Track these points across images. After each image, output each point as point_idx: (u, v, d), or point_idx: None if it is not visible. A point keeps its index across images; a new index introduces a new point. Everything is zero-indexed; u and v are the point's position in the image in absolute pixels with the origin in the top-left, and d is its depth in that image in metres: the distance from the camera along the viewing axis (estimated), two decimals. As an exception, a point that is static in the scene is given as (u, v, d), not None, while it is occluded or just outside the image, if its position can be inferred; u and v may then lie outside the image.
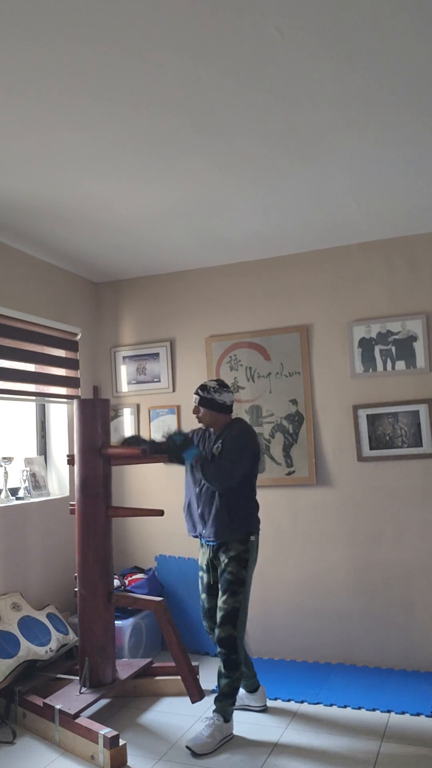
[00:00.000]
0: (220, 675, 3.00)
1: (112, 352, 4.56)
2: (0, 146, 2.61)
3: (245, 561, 3.01)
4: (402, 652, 3.71)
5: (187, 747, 2.84)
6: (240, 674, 3.01)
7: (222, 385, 3.18)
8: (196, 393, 3.15)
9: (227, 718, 2.96)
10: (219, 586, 3.05)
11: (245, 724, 3.09)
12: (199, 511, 3.11)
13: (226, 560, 3.02)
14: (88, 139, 2.57)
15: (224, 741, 2.91)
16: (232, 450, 3.01)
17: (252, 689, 3.24)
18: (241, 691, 3.22)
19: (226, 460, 2.98)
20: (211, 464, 2.98)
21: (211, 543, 3.09)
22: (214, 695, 3.03)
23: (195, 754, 2.80)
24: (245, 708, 3.23)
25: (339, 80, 2.22)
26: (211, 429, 3.20)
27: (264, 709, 3.23)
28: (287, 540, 4.00)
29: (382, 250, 3.93)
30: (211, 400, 3.12)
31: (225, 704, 2.98)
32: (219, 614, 3.00)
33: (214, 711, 2.98)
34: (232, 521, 3.01)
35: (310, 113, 2.43)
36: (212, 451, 3.08)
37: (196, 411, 3.16)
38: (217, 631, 3.00)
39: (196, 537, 3.16)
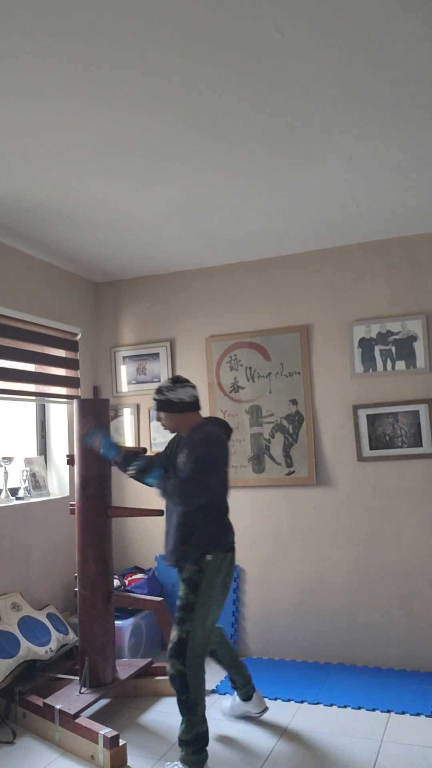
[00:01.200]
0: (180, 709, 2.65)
1: (112, 352, 4.56)
2: (0, 146, 2.61)
3: (196, 584, 2.66)
4: (402, 652, 3.71)
5: None
6: (198, 719, 2.59)
7: (177, 380, 2.85)
8: (153, 398, 2.87)
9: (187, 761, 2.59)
10: None
11: (245, 724, 3.09)
12: (165, 530, 2.89)
13: (180, 583, 2.74)
14: (88, 139, 2.57)
15: None
16: (195, 460, 2.66)
17: (246, 698, 3.10)
18: (237, 699, 3.14)
19: (188, 475, 2.64)
20: (171, 482, 2.66)
21: (171, 566, 2.84)
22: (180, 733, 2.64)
23: None
24: (245, 714, 3.13)
25: (339, 80, 2.22)
26: (183, 434, 2.88)
27: (265, 711, 3.11)
28: (287, 540, 4.00)
29: (382, 250, 3.93)
30: (167, 401, 2.81)
31: (185, 753, 2.58)
32: (169, 647, 2.67)
33: (180, 761, 2.62)
34: (186, 541, 2.71)
35: (310, 113, 2.43)
36: (176, 462, 2.79)
37: (158, 418, 2.88)
38: (167, 666, 2.65)
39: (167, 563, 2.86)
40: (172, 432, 2.92)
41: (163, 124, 2.48)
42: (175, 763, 2.65)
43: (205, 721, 2.64)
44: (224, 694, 3.43)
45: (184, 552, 2.73)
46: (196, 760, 2.59)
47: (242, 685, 3.10)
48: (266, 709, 3.14)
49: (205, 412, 4.20)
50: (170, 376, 4.18)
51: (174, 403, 2.82)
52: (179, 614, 2.66)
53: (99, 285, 4.67)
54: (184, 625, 2.63)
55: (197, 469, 2.66)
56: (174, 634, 2.65)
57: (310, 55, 2.07)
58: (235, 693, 3.16)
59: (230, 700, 3.20)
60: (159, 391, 2.85)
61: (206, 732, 2.63)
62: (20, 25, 1.89)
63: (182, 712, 2.61)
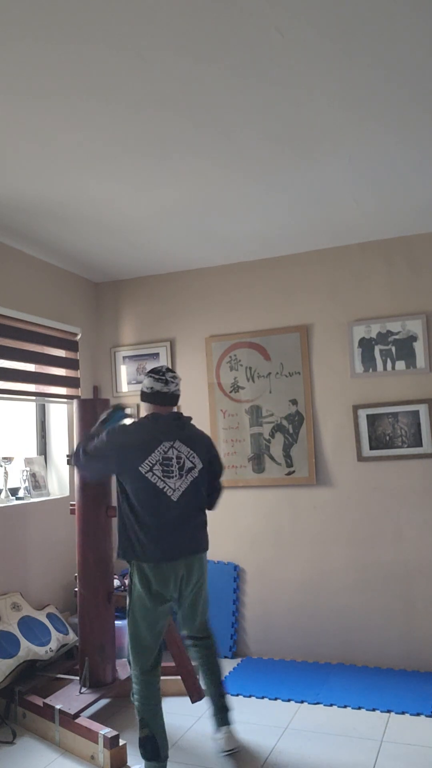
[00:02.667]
0: None
1: (112, 352, 4.56)
2: (0, 146, 2.61)
3: (129, 588, 2.65)
4: (402, 652, 3.71)
5: None
6: (142, 722, 2.54)
7: (155, 371, 2.78)
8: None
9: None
10: None
11: (245, 724, 3.09)
12: None
13: None
14: (89, 138, 2.57)
15: None
16: (102, 436, 2.67)
17: (216, 724, 2.81)
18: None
19: (90, 447, 2.66)
20: (82, 444, 2.71)
21: None
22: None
23: None
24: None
25: (339, 80, 2.22)
26: None
27: (231, 752, 2.74)
28: (287, 540, 4.00)
29: (382, 250, 3.93)
30: (142, 391, 2.79)
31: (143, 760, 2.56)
32: None
33: None
34: (119, 537, 2.69)
35: (310, 113, 2.43)
36: None
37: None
38: None
39: None
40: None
41: (163, 124, 2.48)
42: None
43: (148, 726, 2.53)
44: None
45: (118, 549, 2.70)
46: (148, 766, 2.55)
47: (211, 710, 2.83)
48: (233, 750, 2.74)
49: (204, 412, 4.21)
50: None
51: (144, 392, 2.78)
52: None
53: (99, 285, 4.67)
54: (128, 623, 2.68)
55: (97, 446, 2.65)
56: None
57: (310, 55, 2.07)
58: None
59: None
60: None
61: (149, 738, 2.52)
62: (20, 25, 1.89)
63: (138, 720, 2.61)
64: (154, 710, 2.57)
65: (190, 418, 2.86)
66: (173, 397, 2.78)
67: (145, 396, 2.76)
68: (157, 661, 2.66)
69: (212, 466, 2.85)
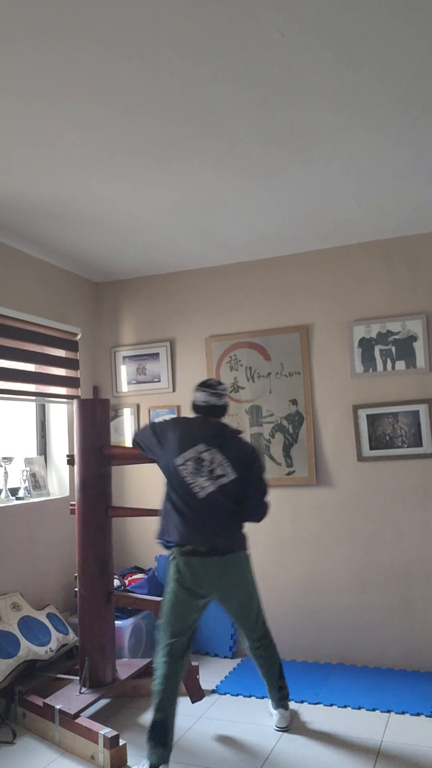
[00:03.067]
0: None
1: (112, 352, 4.56)
2: (0, 146, 2.61)
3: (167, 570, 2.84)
4: (402, 652, 3.71)
5: None
6: (153, 706, 2.64)
7: (202, 383, 3.02)
8: None
9: (150, 764, 2.59)
10: None
11: (245, 724, 3.09)
12: None
13: None
14: (88, 139, 2.57)
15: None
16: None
17: (272, 707, 3.07)
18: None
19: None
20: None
21: None
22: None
23: None
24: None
25: (339, 80, 2.22)
26: None
27: (285, 730, 3.01)
28: (287, 540, 4.00)
29: (382, 250, 3.93)
30: (196, 405, 3.01)
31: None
32: None
33: None
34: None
35: (310, 113, 2.43)
36: None
37: None
38: None
39: None
40: None
41: (163, 124, 2.48)
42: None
43: (158, 711, 2.61)
44: (224, 693, 3.43)
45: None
46: (148, 749, 2.59)
47: (269, 696, 3.07)
48: (285, 728, 3.01)
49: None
50: (169, 374, 4.40)
51: (197, 405, 2.99)
52: None
53: (99, 285, 4.67)
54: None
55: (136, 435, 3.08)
56: None
57: (310, 55, 2.07)
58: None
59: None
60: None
61: (156, 723, 2.59)
62: (20, 26, 1.89)
63: None
64: (170, 696, 2.65)
65: (238, 432, 3.03)
66: (223, 409, 3.01)
67: (200, 409, 2.96)
68: (183, 651, 2.75)
69: (250, 484, 2.91)
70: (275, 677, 3.03)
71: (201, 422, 2.93)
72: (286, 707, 3.06)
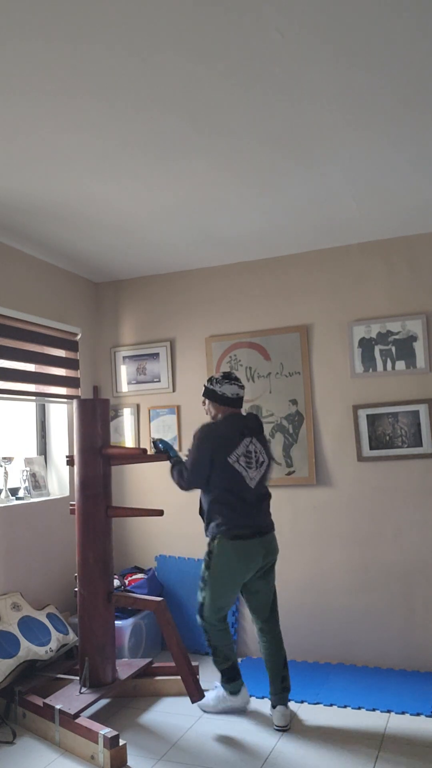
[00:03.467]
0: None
1: (112, 352, 4.56)
2: (0, 146, 2.61)
3: (208, 561, 3.04)
4: (402, 652, 3.71)
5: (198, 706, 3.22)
6: (218, 658, 3.15)
7: (226, 376, 3.18)
8: (204, 384, 3.25)
9: (231, 691, 3.16)
10: None
11: (245, 723, 3.09)
12: None
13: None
14: (88, 139, 2.57)
15: (232, 710, 3.16)
16: (191, 449, 3.10)
17: (272, 704, 3.09)
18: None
19: (185, 467, 3.11)
20: (176, 471, 3.15)
21: None
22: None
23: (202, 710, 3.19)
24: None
25: (339, 80, 2.22)
26: None
27: (284, 730, 3.01)
28: (287, 540, 4.00)
29: (382, 250, 3.93)
30: (212, 391, 3.17)
31: (221, 682, 3.19)
32: None
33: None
34: (205, 522, 3.12)
35: (310, 113, 2.43)
36: None
37: (203, 403, 3.24)
38: None
39: None
40: (212, 418, 3.22)
41: (163, 124, 2.48)
42: (216, 684, 3.25)
43: (227, 660, 3.14)
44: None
45: (205, 530, 3.11)
46: (227, 687, 3.17)
47: (270, 692, 3.12)
48: (284, 728, 3.04)
49: (204, 412, 4.20)
50: (169, 374, 4.41)
51: (217, 395, 3.15)
52: (200, 581, 3.10)
53: (99, 285, 4.67)
54: (202, 592, 3.09)
55: (190, 457, 3.09)
56: (198, 597, 3.12)
57: (310, 55, 2.07)
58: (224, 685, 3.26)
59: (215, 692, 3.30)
60: (210, 380, 3.21)
61: (231, 668, 3.15)
62: (20, 25, 1.89)
63: (209, 652, 3.20)
64: (231, 646, 3.18)
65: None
66: (242, 400, 3.25)
67: (227, 400, 3.15)
68: (226, 619, 3.20)
69: (270, 467, 3.27)
70: (280, 665, 3.11)
71: (242, 417, 3.18)
72: (286, 704, 3.07)
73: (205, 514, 3.12)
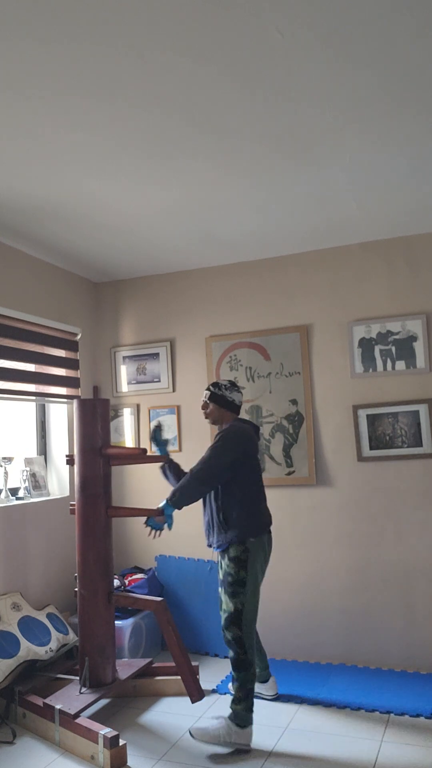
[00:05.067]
0: (232, 678, 2.96)
1: (112, 352, 4.56)
2: (0, 146, 2.61)
3: (244, 561, 2.98)
4: (402, 653, 3.71)
5: (189, 731, 2.91)
6: (251, 675, 2.94)
7: (234, 384, 3.26)
8: (208, 389, 3.24)
9: (241, 723, 2.86)
10: (220, 589, 3.07)
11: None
12: (204, 519, 3.17)
13: (226, 561, 3.02)
14: (88, 139, 2.57)
15: (236, 746, 2.83)
16: (210, 450, 3.05)
17: (263, 680, 3.34)
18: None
19: (203, 462, 3.02)
20: (189, 478, 3.03)
21: (215, 549, 3.12)
22: (231, 698, 2.96)
23: (192, 736, 2.88)
24: (257, 695, 3.30)
25: (339, 80, 2.22)
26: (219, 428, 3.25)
27: (276, 698, 3.34)
28: (287, 540, 4.00)
29: (382, 250, 3.93)
30: (222, 396, 3.19)
31: (237, 709, 2.88)
32: (223, 616, 3.00)
33: (228, 716, 2.89)
34: (227, 526, 3.02)
35: (310, 113, 2.43)
36: None
37: (204, 407, 3.23)
38: (224, 633, 2.98)
39: (210, 547, 3.17)
40: (212, 422, 3.25)
41: (163, 124, 2.48)
42: (226, 718, 2.89)
43: (255, 678, 2.97)
44: (224, 693, 3.43)
45: (227, 535, 3.02)
46: (247, 717, 2.88)
47: (262, 668, 3.33)
48: (278, 695, 3.36)
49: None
50: (169, 374, 4.41)
51: (227, 400, 3.20)
52: (233, 588, 2.96)
53: (99, 285, 4.67)
54: (238, 597, 2.96)
55: (211, 456, 3.02)
56: (230, 606, 2.96)
57: (310, 55, 2.07)
58: None
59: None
60: (218, 386, 3.22)
61: (254, 689, 2.96)
62: (20, 25, 1.89)
63: (239, 669, 2.93)
64: (255, 666, 3.03)
65: None
66: None
67: (235, 407, 3.23)
68: None
69: None
70: (260, 642, 3.34)
71: (246, 423, 3.24)
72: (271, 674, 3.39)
73: (227, 515, 3.03)
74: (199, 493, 3.05)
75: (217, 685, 3.56)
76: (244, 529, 3.01)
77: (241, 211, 3.40)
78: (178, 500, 3.02)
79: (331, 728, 3.02)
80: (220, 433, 3.12)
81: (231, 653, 2.96)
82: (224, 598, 3.00)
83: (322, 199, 3.28)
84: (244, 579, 2.97)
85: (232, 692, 2.94)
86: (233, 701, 2.90)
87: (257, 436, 3.25)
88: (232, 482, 3.04)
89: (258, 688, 3.31)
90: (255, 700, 3.09)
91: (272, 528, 3.99)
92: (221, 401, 3.20)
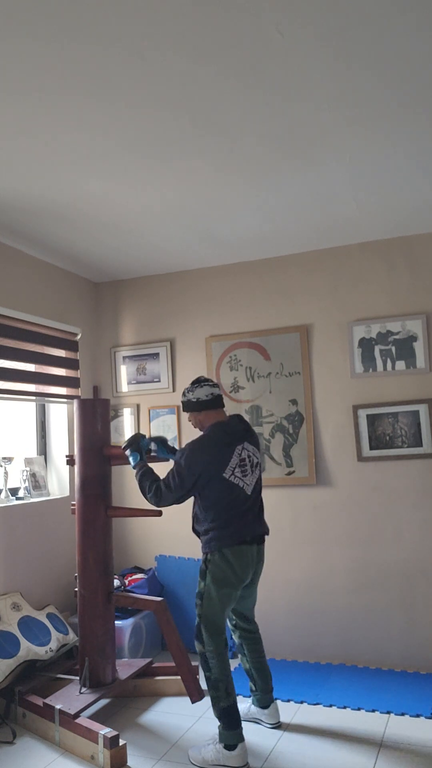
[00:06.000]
0: None
1: (112, 352, 4.56)
2: (0, 146, 2.61)
3: (203, 572, 2.85)
4: (402, 653, 3.71)
5: (188, 753, 2.80)
6: (221, 694, 2.75)
7: (195, 381, 3.02)
8: (180, 402, 3.06)
9: (228, 744, 2.70)
10: None
11: (245, 724, 3.08)
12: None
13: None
14: (88, 138, 2.57)
15: None
16: (172, 472, 2.86)
17: (263, 705, 3.07)
18: (253, 707, 3.11)
19: (164, 483, 2.86)
20: (147, 484, 2.91)
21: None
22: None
23: (190, 760, 2.76)
24: (256, 721, 3.09)
25: (339, 80, 2.22)
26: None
27: (277, 726, 3.05)
28: (287, 540, 4.00)
29: (382, 250, 3.93)
30: (187, 402, 3.00)
31: (220, 728, 2.74)
32: None
33: (218, 738, 2.77)
34: (199, 537, 2.94)
35: (310, 113, 2.43)
36: None
37: (189, 419, 3.06)
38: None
39: None
40: (200, 430, 3.03)
41: (163, 124, 2.48)
42: (212, 739, 2.79)
43: (229, 695, 2.76)
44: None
45: (201, 542, 2.92)
46: (229, 735, 2.72)
47: (263, 692, 3.07)
48: (280, 724, 3.07)
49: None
50: (169, 374, 4.41)
51: (193, 402, 2.98)
52: (196, 599, 2.87)
53: (99, 285, 4.67)
54: (199, 609, 2.84)
55: (173, 476, 2.86)
56: (197, 617, 2.86)
57: (310, 55, 2.07)
58: (251, 697, 3.13)
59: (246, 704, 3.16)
60: (183, 393, 3.03)
61: (232, 706, 2.75)
62: (20, 25, 1.89)
63: (208, 687, 2.81)
64: (230, 682, 2.81)
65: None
66: (222, 398, 3.05)
67: (204, 404, 2.97)
68: (225, 639, 2.90)
69: (260, 466, 3.10)
70: (266, 664, 3.11)
71: (229, 423, 2.98)
72: (273, 700, 3.11)
73: (202, 528, 2.91)
74: (149, 496, 2.91)
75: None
76: (212, 540, 2.85)
77: (241, 211, 3.40)
78: (141, 466, 3.00)
79: (331, 728, 3.02)
80: (189, 442, 2.91)
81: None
82: None
83: (322, 199, 3.28)
84: (203, 591, 2.84)
85: None
86: (219, 724, 2.77)
87: (240, 438, 2.93)
88: (199, 496, 2.90)
89: (257, 714, 3.08)
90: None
91: (272, 528, 4.00)
92: (191, 407, 2.98)
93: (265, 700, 3.07)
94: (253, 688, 3.10)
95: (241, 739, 2.73)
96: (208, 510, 2.87)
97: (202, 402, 2.96)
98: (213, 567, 2.83)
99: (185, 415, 4.30)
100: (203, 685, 3.16)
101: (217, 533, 2.84)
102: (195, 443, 2.89)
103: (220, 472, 2.83)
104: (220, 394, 3.02)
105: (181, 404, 3.09)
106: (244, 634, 3.10)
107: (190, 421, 3.06)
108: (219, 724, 2.76)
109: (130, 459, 3.10)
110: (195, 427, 3.07)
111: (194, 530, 2.98)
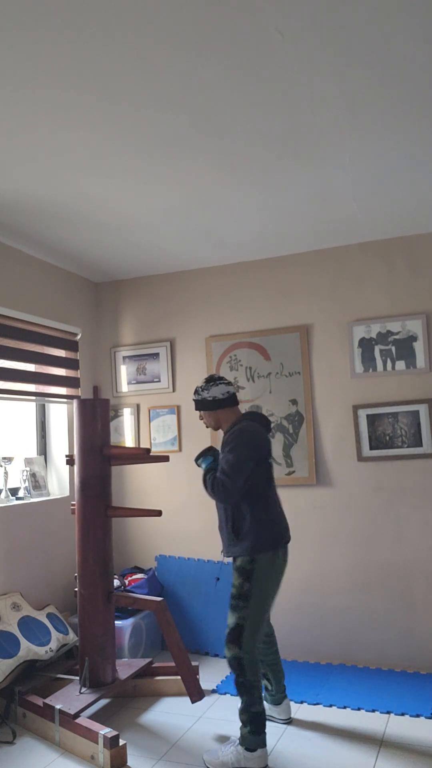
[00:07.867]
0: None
1: (112, 352, 4.56)
2: (0, 146, 2.61)
3: (249, 573, 2.74)
4: (402, 653, 3.71)
5: (202, 757, 2.76)
6: (256, 699, 2.71)
7: (209, 379, 2.98)
8: (192, 399, 3.04)
9: (250, 747, 2.67)
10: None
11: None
12: (218, 522, 2.95)
13: (233, 571, 2.81)
14: (88, 138, 2.57)
15: None
16: (227, 460, 2.78)
17: (276, 702, 3.10)
18: (265, 704, 3.10)
19: (222, 473, 2.76)
20: (210, 479, 2.81)
21: (225, 556, 2.93)
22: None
23: (204, 763, 2.73)
24: (269, 718, 3.09)
25: (339, 80, 2.22)
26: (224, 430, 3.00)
27: (289, 722, 3.09)
28: (287, 540, 4.00)
29: (382, 250, 3.93)
30: (202, 400, 2.96)
31: (244, 732, 2.70)
32: (226, 632, 2.78)
33: (238, 739, 2.73)
34: (237, 539, 2.80)
35: (310, 113, 2.43)
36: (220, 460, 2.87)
37: (200, 418, 3.03)
38: (224, 651, 2.78)
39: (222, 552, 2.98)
40: (214, 429, 3.03)
41: (163, 124, 2.48)
42: (231, 741, 2.76)
43: (261, 702, 2.73)
44: (224, 694, 3.43)
45: (236, 547, 2.81)
46: (253, 740, 2.69)
47: (277, 691, 3.09)
48: (291, 719, 3.12)
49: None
50: (169, 374, 4.39)
51: (208, 401, 2.95)
52: (234, 602, 2.75)
53: (99, 285, 4.67)
54: (239, 612, 2.73)
55: (232, 466, 2.75)
56: (231, 621, 2.75)
57: (310, 55, 2.07)
58: (265, 694, 3.12)
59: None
60: (195, 392, 2.99)
61: (263, 713, 2.72)
62: (20, 25, 1.89)
63: (240, 693, 2.73)
64: (261, 688, 2.77)
65: None
66: (236, 396, 3.04)
67: (222, 402, 2.95)
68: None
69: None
70: (281, 663, 3.12)
71: (257, 418, 2.97)
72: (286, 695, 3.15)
73: (237, 525, 2.80)
74: (214, 496, 2.80)
75: (217, 685, 3.56)
76: (256, 542, 2.76)
77: (242, 211, 3.40)
78: (203, 480, 2.85)
79: (331, 728, 3.02)
80: (231, 434, 2.85)
81: (233, 674, 2.75)
82: (229, 612, 2.79)
83: (322, 199, 3.28)
84: (248, 592, 2.72)
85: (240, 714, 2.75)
86: (241, 724, 2.72)
87: (268, 430, 3.00)
88: (251, 486, 2.80)
89: (269, 710, 3.10)
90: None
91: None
92: (204, 405, 2.95)
93: (278, 698, 3.10)
94: (269, 687, 3.10)
95: (265, 744, 2.71)
96: (253, 501, 2.79)
97: (219, 400, 2.93)
98: (262, 566, 2.74)
99: (185, 415, 4.30)
100: (202, 686, 3.16)
101: (265, 532, 2.77)
102: (243, 432, 2.83)
103: (268, 455, 2.89)
104: (235, 392, 3.00)
105: (194, 403, 3.05)
106: (264, 638, 3.07)
107: (201, 419, 3.02)
108: (242, 726, 2.71)
109: (203, 464, 2.92)
110: (207, 427, 3.04)
111: (230, 529, 2.83)
